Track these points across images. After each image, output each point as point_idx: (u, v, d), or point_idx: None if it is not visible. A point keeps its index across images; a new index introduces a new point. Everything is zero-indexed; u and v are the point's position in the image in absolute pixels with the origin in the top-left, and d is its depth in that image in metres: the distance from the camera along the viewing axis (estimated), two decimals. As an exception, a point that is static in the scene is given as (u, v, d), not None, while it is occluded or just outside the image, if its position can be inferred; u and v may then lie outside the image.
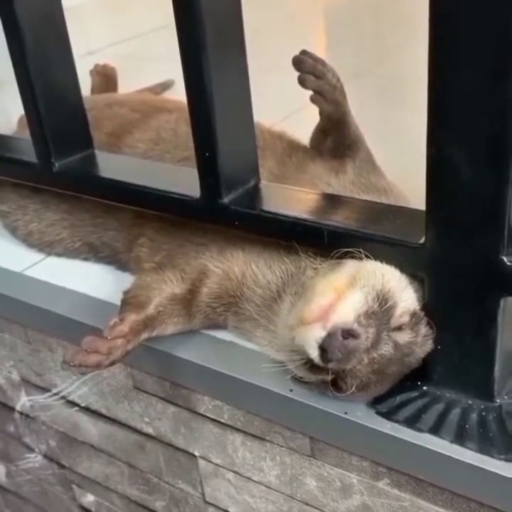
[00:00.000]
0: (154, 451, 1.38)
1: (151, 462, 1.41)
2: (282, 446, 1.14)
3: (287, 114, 1.80)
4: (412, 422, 0.96)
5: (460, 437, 0.93)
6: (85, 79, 1.94)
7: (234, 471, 1.25)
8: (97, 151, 1.32)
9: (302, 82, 1.16)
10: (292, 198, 1.10)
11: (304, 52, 1.16)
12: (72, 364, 1.02)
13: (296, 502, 1.19)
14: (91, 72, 1.97)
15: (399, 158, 1.42)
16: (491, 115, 0.79)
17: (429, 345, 0.96)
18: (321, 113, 1.22)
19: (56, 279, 1.38)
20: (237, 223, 1.08)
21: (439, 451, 0.93)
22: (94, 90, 1.96)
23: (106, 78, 1.98)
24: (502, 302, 0.88)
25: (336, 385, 0.94)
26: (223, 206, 1.08)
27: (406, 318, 0.94)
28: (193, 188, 1.10)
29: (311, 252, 1.04)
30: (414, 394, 1.00)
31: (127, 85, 2.00)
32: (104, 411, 1.41)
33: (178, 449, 1.33)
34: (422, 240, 0.91)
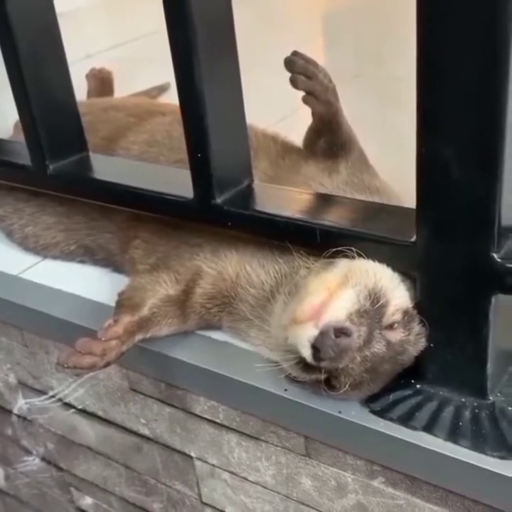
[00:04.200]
0: (151, 452, 1.38)
1: (148, 464, 1.41)
2: (277, 446, 1.14)
3: (282, 115, 1.80)
4: (405, 420, 0.96)
5: (453, 435, 0.93)
6: (84, 83, 1.95)
7: (230, 472, 1.25)
8: (91, 154, 1.32)
9: (293, 82, 1.16)
10: (285, 198, 1.10)
11: (295, 53, 1.16)
12: (66, 366, 1.02)
13: (292, 501, 1.19)
14: (87, 76, 1.97)
15: (397, 158, 1.42)
16: (481, 113, 0.79)
17: (422, 344, 0.96)
18: (313, 114, 1.22)
19: (52, 281, 1.38)
20: (230, 224, 1.09)
21: (432, 449, 0.93)
22: (90, 94, 1.96)
23: (102, 82, 1.98)
24: (493, 299, 0.89)
25: (329, 383, 0.94)
26: (216, 207, 1.08)
27: (398, 317, 0.94)
28: (186, 189, 1.10)
29: (304, 251, 1.04)
30: (408, 392, 1.00)
31: (124, 88, 2.00)
32: (100, 413, 1.41)
33: (174, 450, 1.33)
34: (413, 239, 0.91)
